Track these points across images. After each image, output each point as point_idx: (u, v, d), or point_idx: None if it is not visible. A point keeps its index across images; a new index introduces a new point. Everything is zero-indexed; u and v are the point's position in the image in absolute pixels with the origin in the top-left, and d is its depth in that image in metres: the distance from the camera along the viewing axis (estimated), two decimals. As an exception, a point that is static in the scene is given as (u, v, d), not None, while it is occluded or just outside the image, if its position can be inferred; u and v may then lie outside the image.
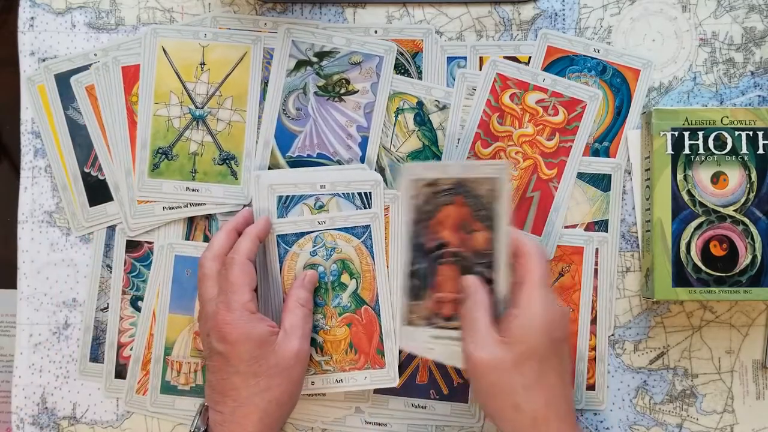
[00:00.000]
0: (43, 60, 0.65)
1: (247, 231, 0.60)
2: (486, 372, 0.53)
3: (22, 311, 0.65)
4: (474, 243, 0.58)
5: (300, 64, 0.65)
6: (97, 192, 0.65)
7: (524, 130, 0.64)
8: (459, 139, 0.64)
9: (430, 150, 0.65)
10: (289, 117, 0.65)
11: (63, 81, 0.65)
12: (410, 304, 0.60)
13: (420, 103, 0.65)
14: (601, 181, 0.64)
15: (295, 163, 0.65)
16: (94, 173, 0.65)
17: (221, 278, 0.58)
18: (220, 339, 0.56)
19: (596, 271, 0.64)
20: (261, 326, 0.56)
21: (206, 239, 0.65)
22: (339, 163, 0.65)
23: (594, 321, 0.64)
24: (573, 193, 0.64)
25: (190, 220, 0.65)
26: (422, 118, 0.65)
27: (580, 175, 0.64)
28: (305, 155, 0.65)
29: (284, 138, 0.65)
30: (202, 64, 0.65)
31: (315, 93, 0.65)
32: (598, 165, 0.64)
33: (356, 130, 0.65)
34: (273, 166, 0.65)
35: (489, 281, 0.57)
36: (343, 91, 0.65)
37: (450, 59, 0.65)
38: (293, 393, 0.57)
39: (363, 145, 0.65)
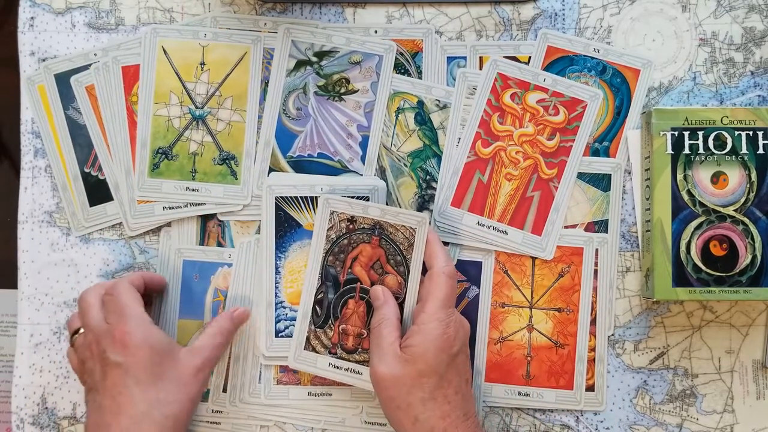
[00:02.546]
0: (43, 60, 0.65)
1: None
2: (386, 386, 0.55)
3: (22, 311, 0.65)
4: (385, 285, 0.61)
5: (300, 64, 0.65)
6: (97, 192, 0.65)
7: (525, 129, 0.64)
8: (459, 139, 0.64)
9: (431, 149, 0.65)
10: (289, 117, 0.65)
11: (63, 81, 0.65)
12: (313, 330, 0.62)
13: (420, 103, 0.65)
14: (601, 181, 0.64)
15: (296, 163, 0.65)
16: (94, 173, 0.65)
17: (110, 303, 0.58)
18: (119, 348, 0.56)
19: (596, 272, 0.64)
20: (161, 334, 0.57)
21: (220, 246, 0.65)
22: (340, 162, 0.65)
23: (594, 322, 0.64)
24: (573, 193, 0.64)
25: (203, 229, 0.65)
26: (423, 118, 0.65)
27: (580, 175, 0.64)
28: (306, 155, 0.65)
29: (285, 138, 0.65)
30: (202, 64, 0.65)
31: (315, 93, 0.65)
32: (598, 165, 0.64)
33: (357, 129, 0.65)
34: (274, 166, 0.65)
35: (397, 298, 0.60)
36: (343, 90, 0.65)
37: (450, 59, 0.65)
38: (190, 412, 0.58)
39: (363, 144, 0.65)
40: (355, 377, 0.61)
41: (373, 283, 0.60)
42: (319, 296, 0.62)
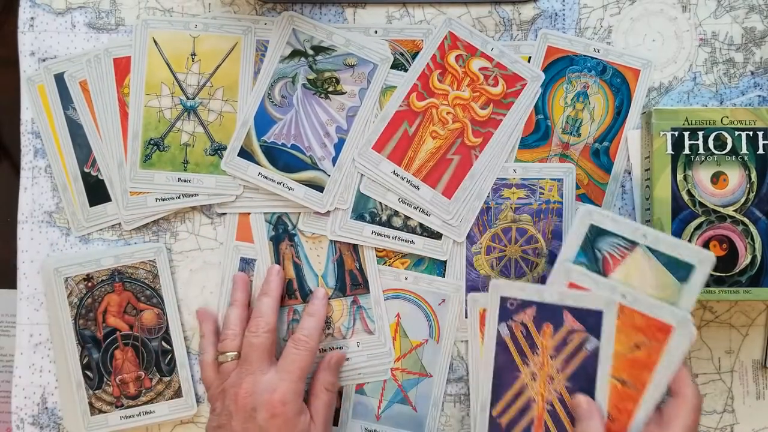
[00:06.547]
0: (43, 60, 0.65)
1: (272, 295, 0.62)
2: None
3: (22, 311, 0.65)
4: (144, 322, 0.64)
5: (295, 54, 0.65)
6: (97, 192, 0.65)
7: (461, 92, 0.64)
8: (397, 87, 0.65)
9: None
10: (273, 103, 0.65)
11: (63, 81, 0.65)
12: (93, 394, 0.63)
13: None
14: (680, 269, 0.57)
15: (268, 148, 0.64)
16: (93, 173, 0.65)
17: (284, 360, 0.59)
18: (269, 416, 0.56)
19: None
20: (304, 420, 0.57)
21: (296, 266, 0.64)
22: (311, 158, 0.65)
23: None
24: (648, 275, 0.57)
25: (276, 251, 0.64)
26: None
27: (657, 254, 0.57)
28: (279, 143, 0.65)
29: (263, 122, 0.65)
30: (193, 54, 0.65)
31: (303, 85, 0.65)
32: (681, 250, 0.56)
33: (335, 130, 0.65)
34: (246, 147, 0.64)
35: (166, 352, 0.64)
36: (331, 89, 0.65)
37: (450, 59, 0.65)
38: None
39: (338, 146, 0.65)
40: (148, 418, 0.63)
41: (131, 327, 0.63)
42: (85, 361, 0.64)
